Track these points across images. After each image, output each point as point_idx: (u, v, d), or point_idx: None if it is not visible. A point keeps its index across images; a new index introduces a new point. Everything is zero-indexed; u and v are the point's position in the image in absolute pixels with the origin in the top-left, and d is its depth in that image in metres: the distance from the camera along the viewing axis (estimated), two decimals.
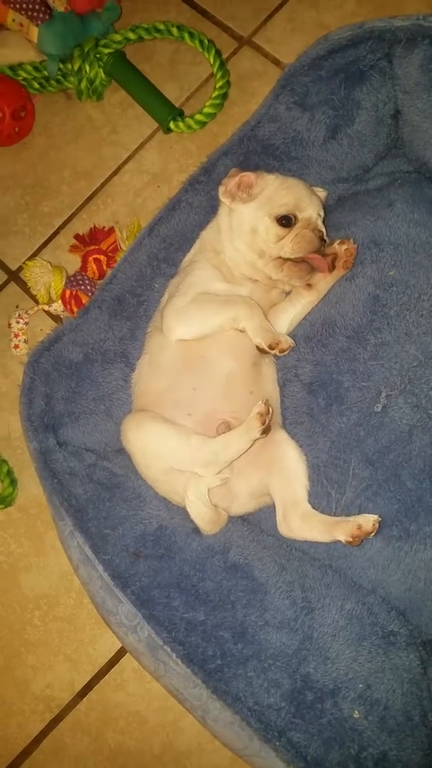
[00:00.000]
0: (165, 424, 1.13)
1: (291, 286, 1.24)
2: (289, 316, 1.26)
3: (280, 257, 1.18)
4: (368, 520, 1.10)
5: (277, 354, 1.16)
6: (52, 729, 1.40)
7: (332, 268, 1.23)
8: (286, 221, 1.17)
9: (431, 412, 1.17)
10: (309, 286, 1.25)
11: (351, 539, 1.10)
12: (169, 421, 1.14)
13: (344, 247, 1.23)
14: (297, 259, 1.18)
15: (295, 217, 1.18)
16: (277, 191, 1.20)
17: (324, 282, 1.25)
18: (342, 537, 1.10)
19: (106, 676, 1.41)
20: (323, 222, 1.22)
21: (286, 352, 1.16)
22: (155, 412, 1.16)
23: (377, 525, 1.10)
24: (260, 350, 1.17)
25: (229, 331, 1.17)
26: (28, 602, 1.45)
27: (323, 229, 1.21)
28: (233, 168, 1.26)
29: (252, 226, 1.19)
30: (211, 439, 1.12)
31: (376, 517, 1.11)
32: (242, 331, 1.16)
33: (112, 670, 1.41)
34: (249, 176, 1.20)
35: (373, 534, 1.10)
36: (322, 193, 1.31)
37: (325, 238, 1.21)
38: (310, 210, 1.20)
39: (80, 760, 1.38)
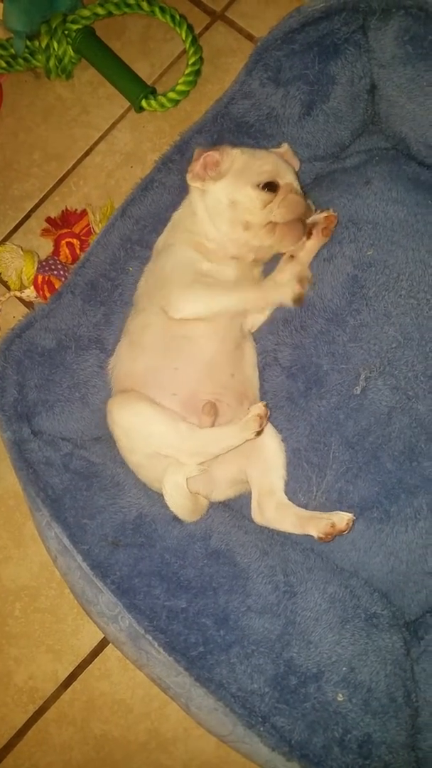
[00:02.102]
0: (153, 406, 1.10)
1: (279, 251, 1.21)
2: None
3: (270, 222, 1.16)
4: (342, 519, 1.09)
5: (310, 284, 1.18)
6: (36, 720, 1.39)
7: (309, 235, 1.20)
8: (270, 187, 1.15)
9: (410, 394, 1.16)
10: (292, 257, 1.21)
11: (323, 536, 1.09)
12: (157, 404, 1.11)
13: (324, 214, 1.20)
14: (286, 222, 1.16)
15: (277, 183, 1.16)
16: (251, 162, 1.18)
17: (305, 252, 1.21)
18: (314, 533, 1.10)
19: (90, 666, 1.40)
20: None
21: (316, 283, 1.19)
22: (141, 393, 1.13)
23: (351, 524, 1.09)
24: (299, 301, 1.17)
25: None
26: (8, 594, 1.44)
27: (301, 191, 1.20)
28: (196, 149, 1.22)
29: (231, 199, 1.16)
30: (201, 429, 1.10)
31: (350, 516, 1.10)
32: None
33: (95, 660, 1.40)
34: (212, 155, 1.17)
35: (346, 532, 1.09)
36: (283, 147, 1.27)
37: (307, 203, 1.19)
38: (289, 176, 1.18)
39: (66, 750, 1.38)
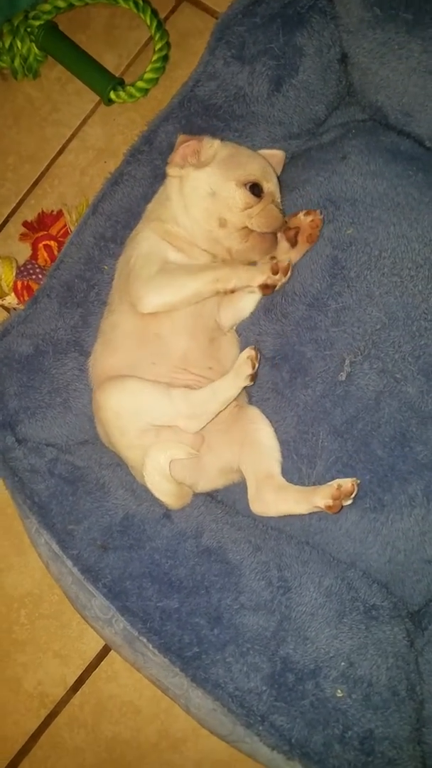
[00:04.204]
0: (142, 380, 1.07)
1: (249, 260, 1.17)
2: (255, 297, 1.19)
3: (246, 227, 1.11)
4: (346, 481, 1.06)
5: (283, 279, 1.10)
6: (48, 725, 1.40)
7: (294, 243, 1.16)
8: (255, 190, 1.10)
9: (398, 376, 1.11)
10: (273, 259, 1.16)
11: (331, 502, 1.04)
12: (146, 380, 1.08)
13: (309, 218, 1.15)
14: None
15: (262, 188, 1.11)
16: (237, 156, 1.13)
17: (287, 257, 1.16)
18: (321, 502, 1.05)
19: (97, 668, 1.40)
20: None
21: (289, 274, 1.12)
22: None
23: (356, 486, 1.05)
24: (266, 288, 1.10)
25: (188, 308, 1.11)
26: (12, 602, 1.44)
27: (281, 204, 1.16)
28: (180, 135, 1.18)
29: (212, 188, 1.11)
30: (195, 390, 1.07)
31: (353, 478, 1.06)
32: (233, 290, 1.09)
33: (102, 663, 1.40)
34: (191, 145, 1.13)
35: (353, 495, 1.05)
36: (279, 153, 1.25)
37: (283, 212, 1.15)
38: (273, 183, 1.14)
39: (78, 753, 1.38)
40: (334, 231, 1.19)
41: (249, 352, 1.08)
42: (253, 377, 1.08)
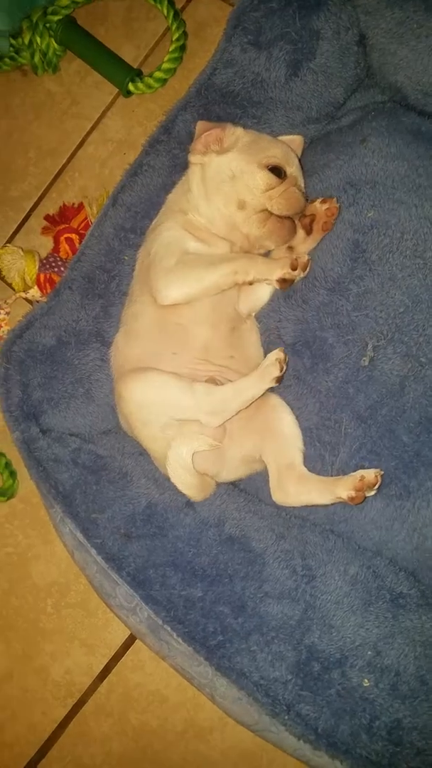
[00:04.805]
0: (164, 373, 1.07)
1: (266, 249, 1.16)
2: (269, 287, 1.18)
3: (266, 210, 1.10)
4: (369, 472, 1.04)
5: (302, 275, 1.11)
6: (75, 713, 1.41)
7: (309, 231, 1.14)
8: (276, 172, 1.10)
9: (423, 360, 1.09)
10: (290, 249, 1.16)
11: (354, 494, 1.03)
12: (168, 372, 1.08)
13: (325, 206, 1.13)
14: (281, 216, 1.11)
15: (284, 170, 1.11)
16: (260, 141, 1.13)
17: (304, 245, 1.16)
18: (344, 493, 1.03)
19: (123, 657, 1.40)
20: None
21: (308, 269, 1.12)
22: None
23: (379, 477, 1.03)
24: (284, 282, 1.10)
25: (212, 296, 1.10)
26: (39, 591, 1.45)
27: (303, 189, 1.14)
28: (199, 122, 1.18)
29: (233, 172, 1.11)
30: (218, 387, 1.06)
31: (377, 470, 1.04)
32: (251, 282, 1.09)
33: (128, 652, 1.41)
34: (213, 133, 1.13)
35: (376, 486, 1.03)
36: (298, 138, 1.24)
37: (306, 197, 1.14)
38: (295, 168, 1.13)
39: (106, 741, 1.39)
40: (355, 214, 1.17)
41: (278, 354, 1.07)
42: (279, 380, 1.07)
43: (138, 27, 1.59)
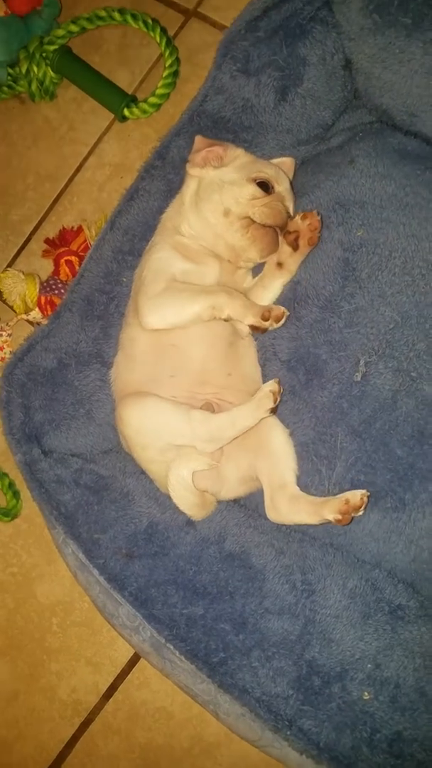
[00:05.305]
0: (162, 399, 1.10)
1: (252, 261, 1.19)
2: (264, 301, 1.20)
3: (248, 217, 1.14)
4: (355, 495, 1.06)
5: (274, 325, 1.13)
6: (82, 732, 1.42)
7: (296, 247, 1.17)
8: (263, 186, 1.15)
9: (414, 375, 1.11)
10: (279, 265, 1.19)
11: (340, 516, 1.05)
12: (165, 398, 1.11)
13: (306, 222, 1.16)
14: (263, 225, 1.14)
15: (272, 186, 1.16)
16: (256, 162, 1.18)
17: (292, 260, 1.19)
18: (330, 516, 1.05)
19: (129, 675, 1.42)
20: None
21: (282, 321, 1.13)
22: (147, 392, 1.13)
23: (366, 499, 1.05)
24: (255, 329, 1.13)
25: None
26: (44, 610, 1.47)
27: (291, 209, 1.18)
28: (197, 137, 1.21)
29: (224, 182, 1.16)
30: (214, 414, 1.09)
31: (363, 491, 1.06)
32: (227, 319, 1.12)
33: (133, 669, 1.42)
34: (215, 150, 1.18)
35: (362, 508, 1.05)
36: (288, 160, 1.27)
37: (290, 214, 1.18)
38: (285, 189, 1.18)
39: (113, 760, 1.40)
40: (345, 233, 1.19)
41: (272, 385, 1.09)
42: (274, 410, 1.09)
43: (132, 54, 1.63)
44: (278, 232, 1.15)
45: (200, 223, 1.17)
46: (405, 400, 1.11)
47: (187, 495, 1.09)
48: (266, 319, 1.11)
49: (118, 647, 1.43)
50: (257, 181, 1.14)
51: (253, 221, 1.14)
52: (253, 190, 1.14)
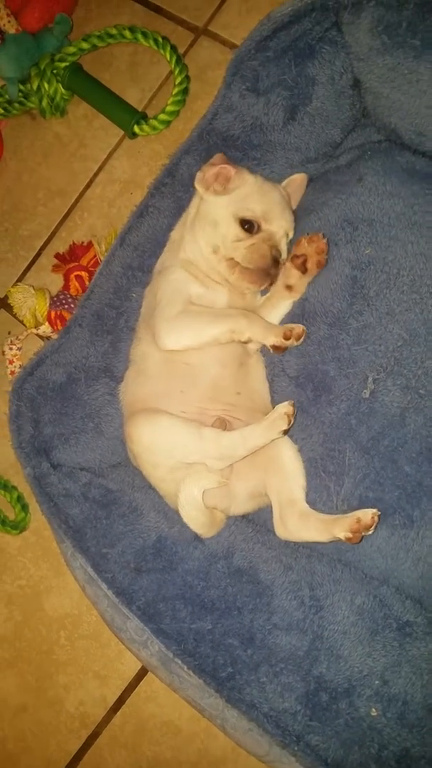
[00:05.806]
0: (173, 417, 1.11)
1: (250, 291, 1.20)
2: (273, 320, 1.22)
3: (233, 259, 1.15)
4: (366, 514, 1.06)
5: (294, 343, 1.14)
6: (90, 745, 1.42)
7: (304, 270, 1.18)
8: (248, 226, 1.15)
9: (422, 392, 1.12)
10: (289, 288, 1.20)
11: (350, 535, 1.05)
12: (175, 415, 1.11)
13: (314, 245, 1.17)
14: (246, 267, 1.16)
15: (259, 226, 1.15)
16: (251, 194, 1.17)
17: (301, 282, 1.20)
18: (341, 534, 1.06)
19: (136, 689, 1.42)
20: (288, 241, 1.19)
21: (302, 338, 1.15)
22: (156, 408, 1.13)
23: (376, 518, 1.06)
24: (276, 349, 1.14)
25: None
26: (52, 623, 1.47)
27: (283, 250, 1.19)
28: (218, 154, 1.22)
29: (216, 219, 1.16)
30: (226, 432, 1.10)
31: (374, 510, 1.07)
32: (247, 342, 1.14)
33: (141, 683, 1.42)
34: (228, 169, 1.18)
35: (373, 527, 1.06)
36: (300, 177, 1.28)
37: (281, 260, 1.18)
38: (276, 225, 1.17)
39: None
40: (353, 251, 1.20)
41: (287, 408, 1.09)
42: (286, 432, 1.09)
43: (142, 71, 1.65)
44: (269, 269, 1.15)
45: (196, 250, 1.19)
46: (413, 418, 1.11)
47: (197, 514, 1.10)
48: (288, 339, 1.13)
49: (126, 661, 1.43)
50: (241, 219, 1.15)
51: (238, 263, 1.15)
52: (236, 231, 1.15)
